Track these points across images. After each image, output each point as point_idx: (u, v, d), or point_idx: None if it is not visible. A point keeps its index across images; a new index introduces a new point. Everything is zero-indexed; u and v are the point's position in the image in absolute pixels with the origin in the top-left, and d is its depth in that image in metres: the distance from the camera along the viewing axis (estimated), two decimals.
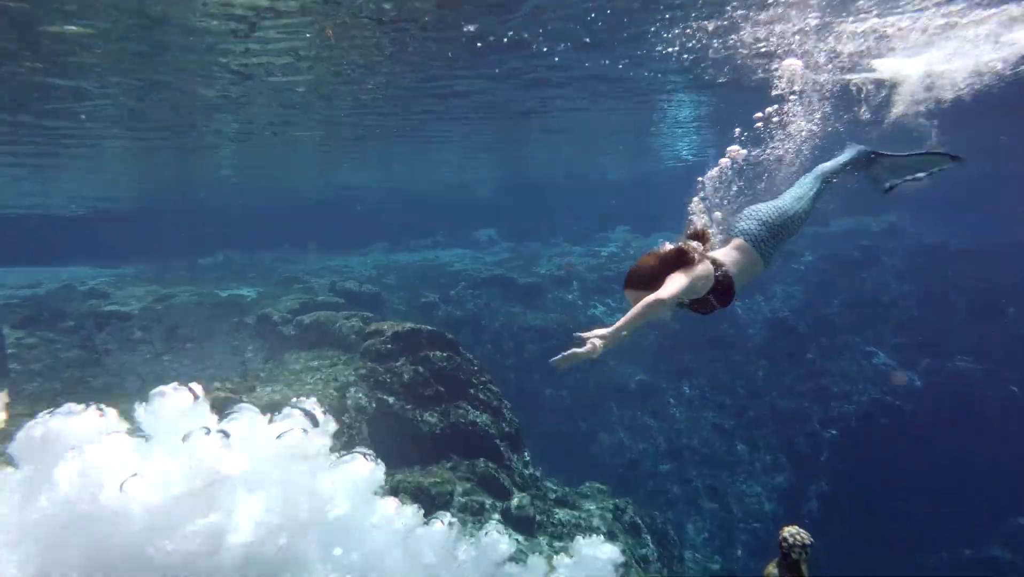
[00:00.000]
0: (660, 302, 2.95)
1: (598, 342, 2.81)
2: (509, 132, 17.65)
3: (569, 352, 2.80)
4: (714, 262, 3.38)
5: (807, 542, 2.57)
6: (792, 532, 2.61)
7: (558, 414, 15.92)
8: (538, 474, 9.76)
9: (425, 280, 20.98)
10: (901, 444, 13.77)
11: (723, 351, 17.17)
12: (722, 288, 3.38)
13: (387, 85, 10.62)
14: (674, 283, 3.07)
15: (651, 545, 9.24)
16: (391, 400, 9.07)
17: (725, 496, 14.31)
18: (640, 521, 9.55)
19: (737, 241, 3.57)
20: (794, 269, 19.84)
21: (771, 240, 3.58)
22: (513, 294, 19.33)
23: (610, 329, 2.86)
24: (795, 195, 3.79)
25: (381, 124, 14.87)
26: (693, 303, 3.40)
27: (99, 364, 12.47)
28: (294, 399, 3.35)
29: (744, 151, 4.14)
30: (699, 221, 3.62)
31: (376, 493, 3.27)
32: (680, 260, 3.23)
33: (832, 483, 13.75)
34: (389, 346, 9.83)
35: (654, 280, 3.13)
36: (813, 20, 6.97)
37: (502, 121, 15.50)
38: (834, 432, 14.67)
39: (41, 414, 2.78)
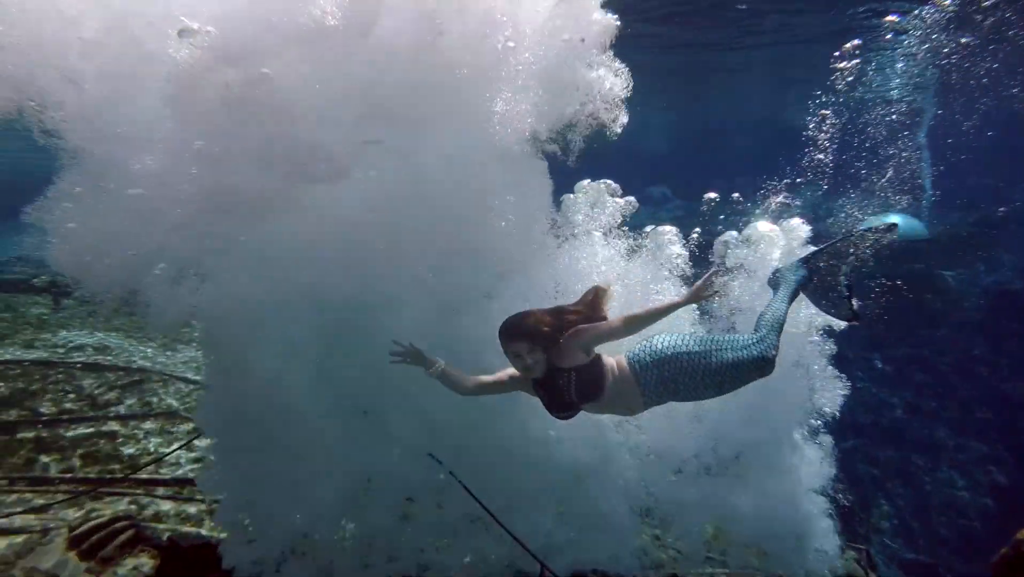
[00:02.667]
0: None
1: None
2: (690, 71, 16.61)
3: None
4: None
5: None
6: None
7: None
8: None
9: None
10: None
11: (926, 325, 15.64)
12: (593, 374, 3.04)
13: None
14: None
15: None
16: None
17: (921, 483, 13.36)
18: None
19: (621, 359, 3.21)
20: None
21: (654, 369, 3.09)
22: None
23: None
24: (714, 339, 3.19)
25: None
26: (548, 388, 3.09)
27: None
28: None
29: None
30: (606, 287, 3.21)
31: None
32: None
33: None
34: None
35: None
36: None
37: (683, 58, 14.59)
38: None
39: None
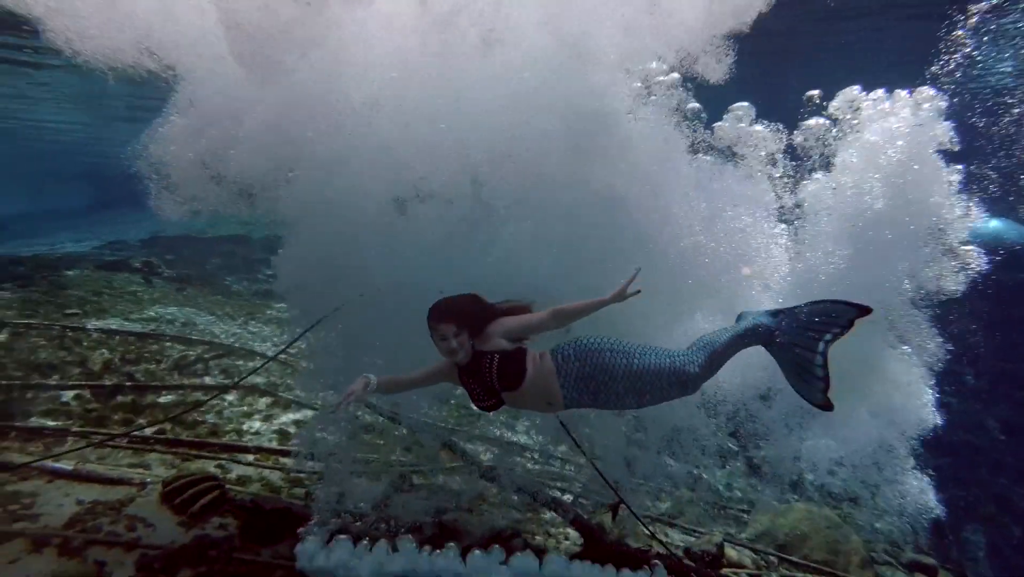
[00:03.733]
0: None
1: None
2: None
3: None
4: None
5: None
6: None
7: None
8: None
9: None
10: None
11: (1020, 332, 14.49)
12: (515, 367, 3.05)
13: None
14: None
15: None
16: None
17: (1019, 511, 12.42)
18: None
19: (544, 353, 3.18)
20: None
21: (575, 362, 3.10)
22: None
23: None
24: (643, 345, 3.15)
25: None
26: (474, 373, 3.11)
27: None
28: None
29: None
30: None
31: None
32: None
33: None
34: None
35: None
36: None
37: None
38: None
39: None
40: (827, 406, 3.24)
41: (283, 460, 5.48)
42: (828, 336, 3.22)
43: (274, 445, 5.67)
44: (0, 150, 32.40)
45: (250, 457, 5.43)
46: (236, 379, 6.58)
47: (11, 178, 48.99)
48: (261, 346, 8.45)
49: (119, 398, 6.29)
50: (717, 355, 3.25)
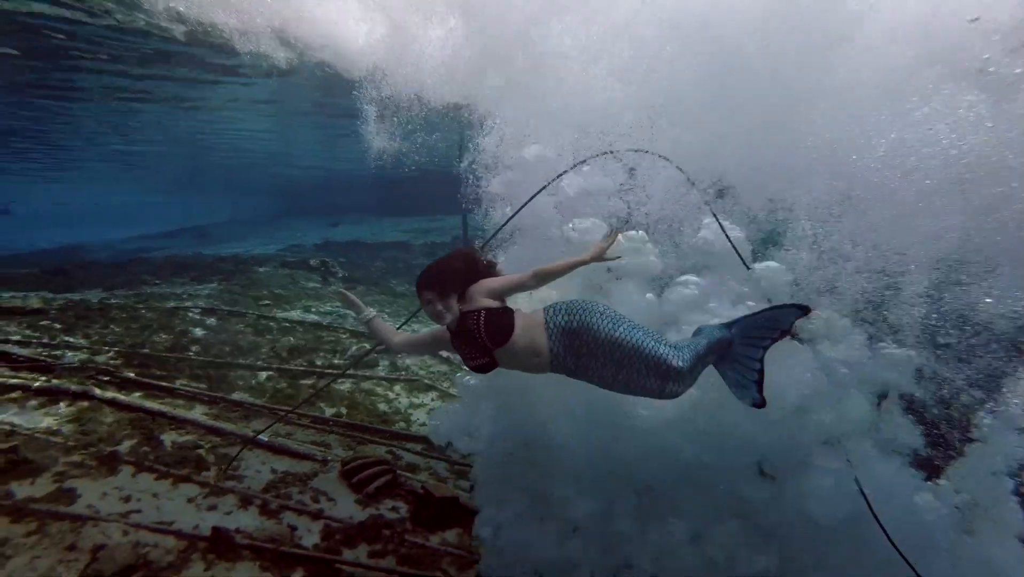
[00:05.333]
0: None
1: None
2: None
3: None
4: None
5: None
6: None
7: None
8: None
9: None
10: None
11: None
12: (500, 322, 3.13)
13: None
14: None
15: None
16: None
17: None
18: None
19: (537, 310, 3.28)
20: None
21: (564, 315, 3.17)
22: None
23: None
24: (632, 321, 3.12)
25: None
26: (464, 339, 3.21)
27: None
28: None
29: None
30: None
31: None
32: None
33: None
34: None
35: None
36: None
37: None
38: None
39: None
40: (760, 404, 3.13)
41: (449, 451, 5.68)
42: (767, 342, 3.17)
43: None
44: (205, 167, 38.06)
45: (418, 447, 5.69)
46: (403, 372, 6.95)
47: (214, 192, 57.21)
48: None
49: (303, 381, 6.94)
50: (699, 360, 3.13)
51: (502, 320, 3.16)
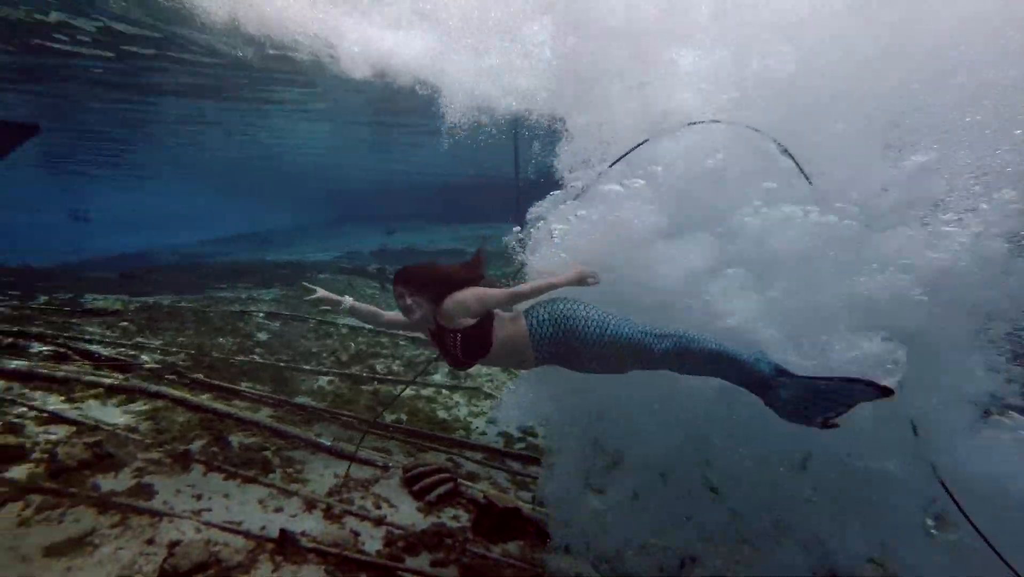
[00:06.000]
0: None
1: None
2: None
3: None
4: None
5: None
6: None
7: None
8: None
9: None
10: None
11: None
12: (479, 333, 3.30)
13: None
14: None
15: None
16: None
17: None
18: None
19: (519, 316, 3.41)
20: None
21: (548, 324, 3.31)
22: None
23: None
24: (617, 317, 3.28)
25: None
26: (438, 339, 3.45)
27: None
28: None
29: None
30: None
31: None
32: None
33: None
34: None
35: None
36: None
37: None
38: None
39: None
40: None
41: (509, 462, 5.66)
42: (831, 414, 2.91)
43: (499, 446, 5.89)
44: (268, 175, 39.72)
45: (478, 455, 5.69)
46: (462, 381, 6.99)
47: (276, 199, 59.46)
48: None
49: (363, 387, 7.07)
50: (688, 353, 3.20)
51: (480, 341, 3.33)
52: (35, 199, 49.61)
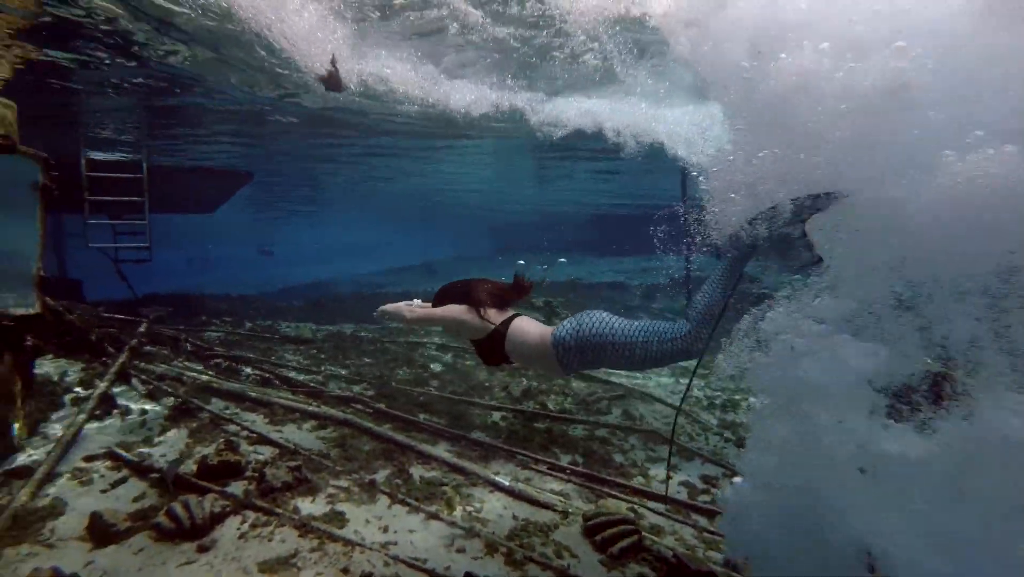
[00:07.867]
0: (417, 320, 4.10)
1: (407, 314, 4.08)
2: None
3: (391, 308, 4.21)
4: (508, 319, 3.99)
5: None
6: None
7: None
8: None
9: None
10: None
11: None
12: (490, 345, 3.95)
13: None
14: (441, 312, 4.06)
15: None
16: None
17: None
18: None
19: (545, 330, 3.89)
20: None
21: (575, 352, 3.70)
22: None
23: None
24: (644, 330, 3.65)
25: None
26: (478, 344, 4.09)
27: None
28: None
29: None
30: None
31: None
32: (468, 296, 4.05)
33: None
34: None
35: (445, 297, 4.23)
36: None
37: None
38: None
39: None
40: (819, 260, 3.04)
41: (694, 516, 5.28)
42: (802, 216, 3.01)
43: (683, 497, 5.53)
44: (435, 211, 42.85)
45: (660, 506, 5.38)
46: (680, 404, 6.71)
47: (441, 231, 63.71)
48: (656, 392, 8.59)
49: (536, 424, 7.06)
50: (715, 316, 3.48)
51: (494, 350, 4.00)
52: (234, 236, 57.76)
